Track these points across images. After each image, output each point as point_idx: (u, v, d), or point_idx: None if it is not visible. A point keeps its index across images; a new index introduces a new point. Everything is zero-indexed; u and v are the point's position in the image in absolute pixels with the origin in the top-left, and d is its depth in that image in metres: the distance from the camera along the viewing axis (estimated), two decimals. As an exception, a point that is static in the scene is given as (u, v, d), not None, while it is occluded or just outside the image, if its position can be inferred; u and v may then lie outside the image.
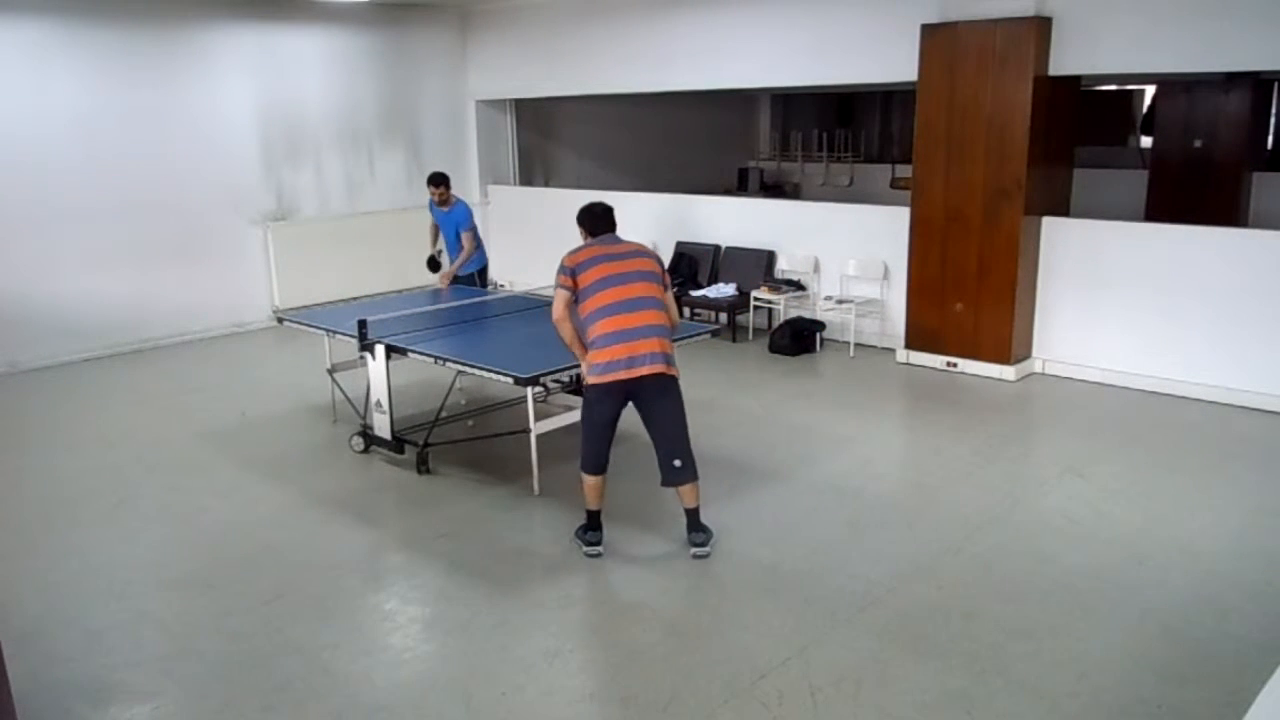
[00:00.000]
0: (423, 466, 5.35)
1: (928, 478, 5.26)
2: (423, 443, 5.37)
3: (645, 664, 3.49)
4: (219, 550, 4.52)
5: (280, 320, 6.84)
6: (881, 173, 12.34)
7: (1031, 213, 6.67)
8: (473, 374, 5.12)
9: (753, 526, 4.58)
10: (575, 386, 5.57)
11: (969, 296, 6.93)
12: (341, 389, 6.08)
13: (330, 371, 6.17)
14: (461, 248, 7.09)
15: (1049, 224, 6.82)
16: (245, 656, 3.60)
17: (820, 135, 12.91)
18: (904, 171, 10.31)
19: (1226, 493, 4.91)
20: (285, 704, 3.31)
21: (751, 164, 13.38)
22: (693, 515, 4.29)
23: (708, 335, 5.96)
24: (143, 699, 3.36)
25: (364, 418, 5.75)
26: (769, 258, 8.47)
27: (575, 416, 4.96)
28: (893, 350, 7.56)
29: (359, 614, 3.91)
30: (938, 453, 5.59)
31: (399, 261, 9.47)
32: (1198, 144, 9.12)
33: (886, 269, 7.71)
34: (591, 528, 4.33)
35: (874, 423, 6.25)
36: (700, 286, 8.64)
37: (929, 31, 6.78)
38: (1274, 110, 10.08)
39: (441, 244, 7.44)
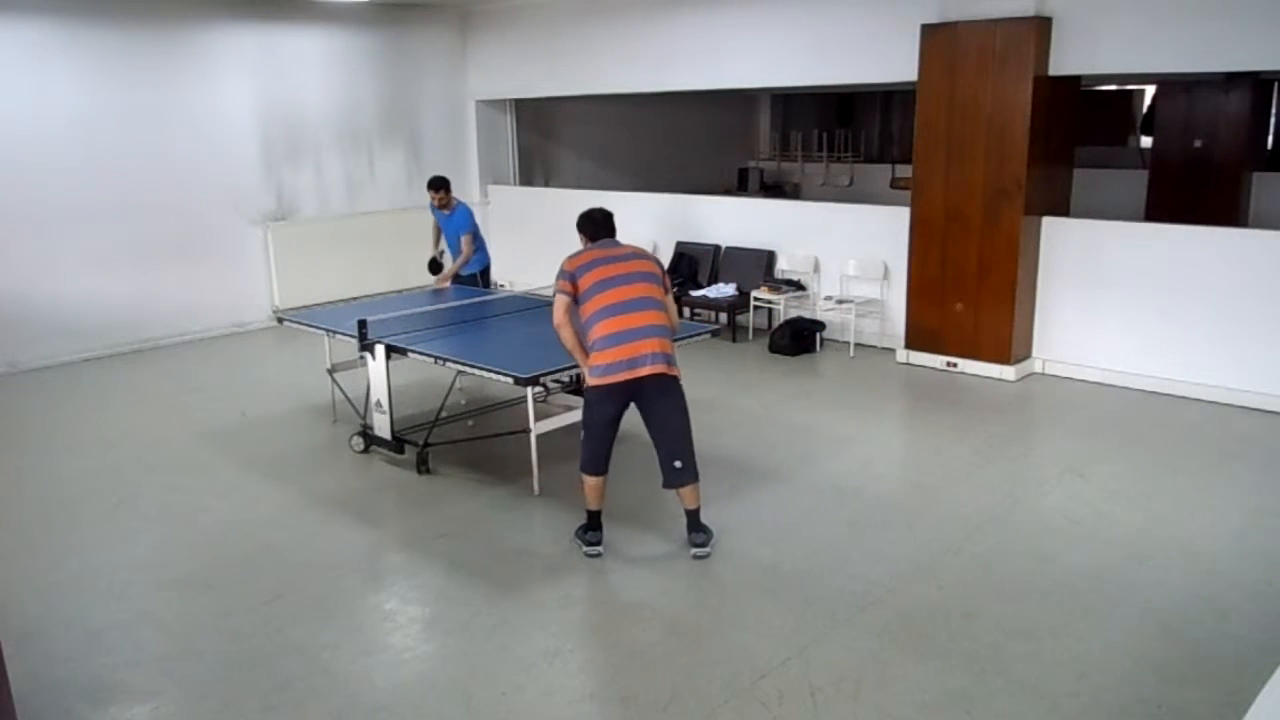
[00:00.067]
0: (423, 466, 5.35)
1: (928, 478, 5.26)
2: (423, 443, 5.37)
3: (645, 664, 3.49)
4: (219, 550, 4.52)
5: (280, 320, 6.84)
6: (881, 173, 12.33)
7: (1031, 213, 6.67)
8: (473, 374, 5.12)
9: (753, 526, 4.58)
10: (575, 386, 5.58)
11: (969, 296, 6.93)
12: (341, 389, 6.08)
13: (330, 371, 6.17)
14: (462, 249, 7.10)
15: (1049, 224, 6.82)
16: (245, 656, 3.60)
17: (820, 135, 12.91)
18: (904, 171, 10.30)
19: (1226, 493, 4.91)
20: (285, 704, 3.31)
21: (751, 164, 13.38)
22: (693, 516, 4.29)
23: (708, 335, 5.97)
24: (143, 699, 3.36)
25: (364, 418, 5.75)
26: (769, 258, 8.47)
27: (575, 416, 4.96)
28: (893, 350, 7.56)
29: (359, 614, 3.91)
30: (938, 453, 5.59)
31: (399, 261, 9.48)
32: (1198, 144, 9.12)
33: (886, 269, 7.71)
34: (591, 528, 4.33)
35: (874, 423, 6.25)
36: (700, 286, 8.64)
37: (929, 31, 6.78)
38: (1274, 110, 10.08)
39: (444, 245, 7.45)
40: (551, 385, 5.67)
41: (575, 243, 4.44)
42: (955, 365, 7.09)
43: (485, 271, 7.43)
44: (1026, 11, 6.34)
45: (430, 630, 3.81)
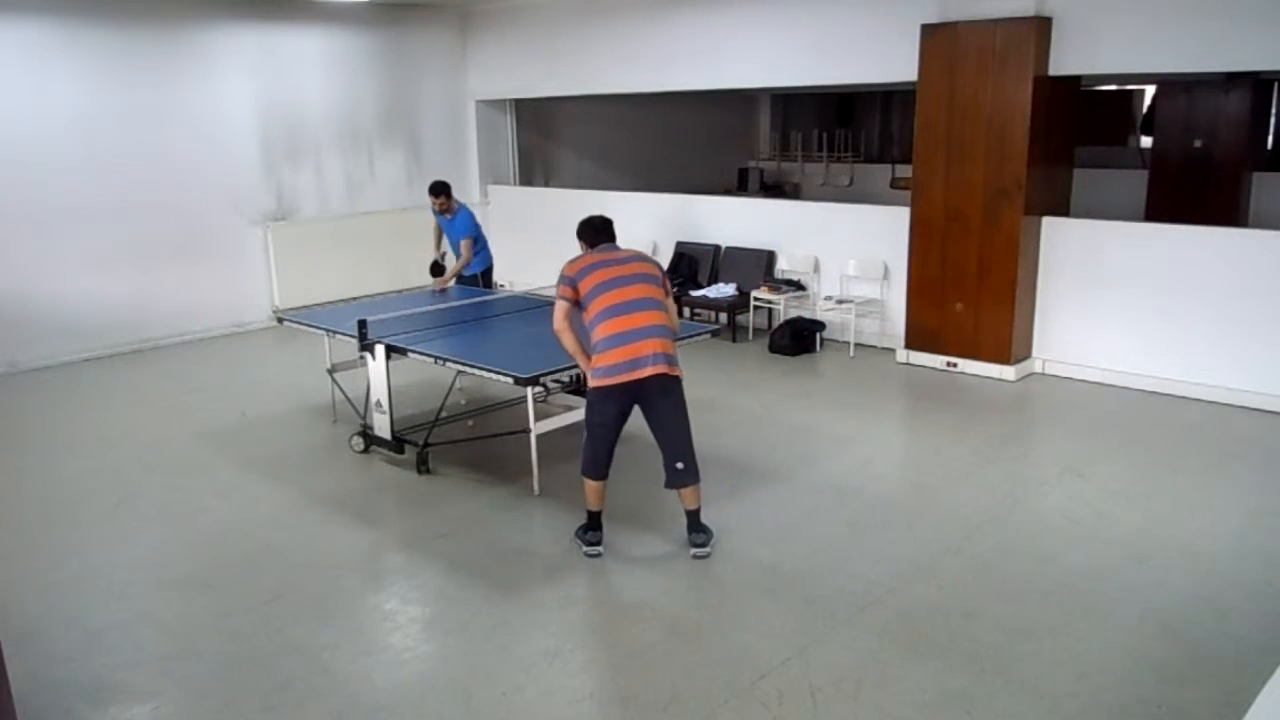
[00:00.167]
0: (423, 466, 5.35)
1: (928, 478, 5.26)
2: (423, 443, 5.37)
3: (645, 664, 3.49)
4: (219, 550, 4.52)
5: (280, 320, 6.84)
6: (881, 173, 12.33)
7: (1031, 213, 6.67)
8: (473, 374, 5.12)
9: (753, 526, 4.58)
10: (575, 386, 5.58)
11: (969, 296, 6.93)
12: (341, 389, 6.08)
13: (330, 371, 6.17)
14: (461, 254, 7.10)
15: (1049, 224, 6.82)
16: (245, 656, 3.60)
17: (820, 135, 12.91)
18: (904, 171, 10.31)
19: (1226, 493, 4.91)
20: (285, 704, 3.31)
21: (751, 164, 13.38)
22: (693, 516, 4.29)
23: (708, 335, 5.97)
24: (143, 699, 3.36)
25: (364, 418, 5.75)
26: (769, 258, 8.47)
27: (575, 416, 4.97)
28: (893, 350, 7.56)
29: (359, 614, 3.91)
30: (938, 453, 5.59)
31: (399, 261, 9.48)
32: (1198, 144, 9.12)
33: (886, 269, 7.71)
34: (592, 528, 4.33)
35: (874, 423, 6.25)
36: (700, 286, 8.64)
37: (929, 31, 6.78)
38: (1274, 110, 10.08)
39: (445, 248, 7.45)
40: (551, 385, 5.66)
41: (575, 242, 4.45)
42: (955, 365, 7.09)
43: (487, 272, 7.44)
44: (1026, 11, 6.34)
45: (430, 630, 3.81)
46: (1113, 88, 11.67)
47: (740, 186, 12.88)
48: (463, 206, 7.23)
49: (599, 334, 4.06)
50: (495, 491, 5.12)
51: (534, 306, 6.27)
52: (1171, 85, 9.36)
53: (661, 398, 4.11)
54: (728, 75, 8.42)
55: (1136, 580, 4.00)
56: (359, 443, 5.70)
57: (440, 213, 7.16)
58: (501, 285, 9.60)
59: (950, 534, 4.46)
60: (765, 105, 13.76)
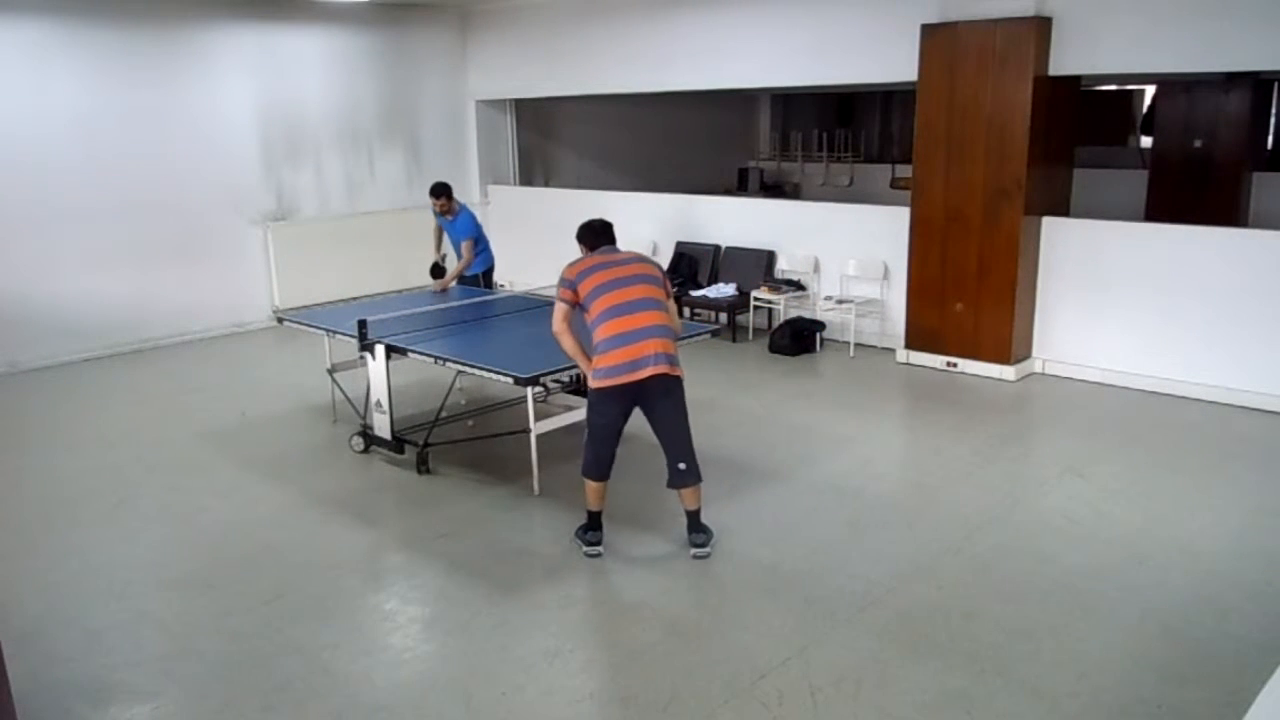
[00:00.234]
0: (423, 466, 5.35)
1: (928, 478, 5.26)
2: (423, 443, 5.37)
3: (645, 664, 3.49)
4: (219, 550, 4.52)
5: (280, 320, 6.84)
6: (881, 173, 12.33)
7: (1031, 213, 6.67)
8: (473, 374, 5.12)
9: (753, 526, 4.58)
10: (575, 386, 5.58)
11: (969, 296, 6.93)
12: (341, 389, 6.08)
13: (330, 371, 6.17)
14: (462, 255, 7.10)
15: (1049, 224, 6.82)
16: (245, 656, 3.60)
17: (820, 135, 12.91)
18: (904, 171, 10.30)
19: (1226, 493, 4.91)
20: (285, 704, 3.31)
21: (751, 164, 13.38)
22: (693, 516, 4.29)
23: (708, 335, 5.97)
24: (143, 699, 3.36)
25: (364, 418, 5.75)
26: (769, 258, 8.47)
27: (575, 416, 4.97)
28: (893, 350, 7.56)
29: (359, 614, 3.91)
30: (938, 453, 5.59)
31: (399, 261, 9.48)
32: (1198, 144, 9.12)
33: (886, 269, 7.71)
34: (592, 528, 4.33)
35: (874, 423, 6.25)
36: (700, 286, 8.64)
37: (929, 31, 6.78)
38: (1274, 110, 10.08)
39: (445, 250, 7.45)
40: (551, 385, 5.67)
41: (574, 243, 4.45)
42: (955, 365, 7.09)
43: (488, 273, 7.44)
44: (1026, 11, 6.34)
45: (430, 630, 3.81)
46: (1113, 88, 11.67)
47: (740, 186, 12.88)
48: (464, 207, 7.22)
49: (600, 335, 4.06)
50: (495, 491, 5.12)
51: (534, 306, 6.27)
52: (1171, 85, 9.36)
53: (663, 398, 4.11)
54: (728, 75, 8.42)
55: (1136, 580, 4.00)
56: (359, 443, 5.70)
57: (441, 214, 7.16)
58: (501, 285, 9.60)
59: (950, 534, 4.46)
60: (765, 105, 13.76)
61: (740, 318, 8.35)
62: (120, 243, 8.20)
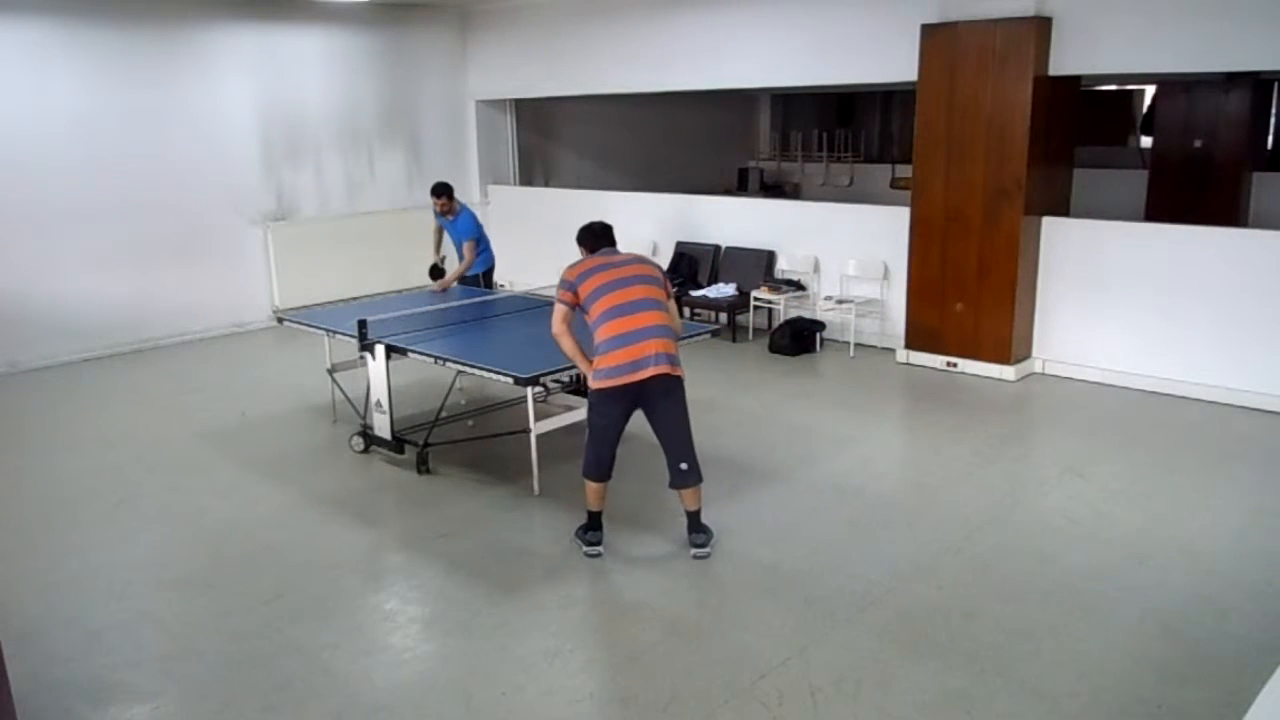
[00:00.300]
0: (423, 466, 5.35)
1: (928, 478, 5.26)
2: (423, 443, 5.37)
3: (645, 664, 3.49)
4: (219, 550, 4.52)
5: (280, 320, 6.84)
6: (881, 173, 12.34)
7: (1031, 213, 6.67)
8: (473, 374, 5.12)
9: (753, 526, 4.58)
10: (575, 386, 5.58)
11: (969, 296, 6.93)
12: (341, 389, 6.08)
13: (330, 371, 6.17)
14: (464, 256, 7.10)
15: (1049, 224, 6.82)
16: (245, 656, 3.60)
17: (820, 135, 12.91)
18: (904, 171, 10.31)
19: (1226, 493, 4.91)
20: (285, 704, 3.31)
21: (751, 164, 13.38)
22: (693, 517, 4.29)
23: (708, 335, 5.97)
24: (143, 699, 3.36)
25: (364, 418, 5.75)
26: (769, 258, 8.47)
27: (575, 417, 4.97)
28: (893, 350, 7.56)
29: (359, 614, 3.91)
30: (938, 453, 5.59)
31: (399, 261, 9.48)
32: (1198, 144, 9.12)
33: (886, 269, 7.71)
34: (592, 528, 4.33)
35: (874, 423, 6.25)
36: (700, 286, 8.64)
37: (929, 31, 6.78)
38: (1274, 110, 10.08)
39: (445, 251, 7.44)
40: (551, 385, 5.66)
41: (574, 241, 4.45)
42: (955, 365, 7.09)
43: (489, 273, 7.43)
44: (1026, 11, 6.34)
45: (430, 630, 3.81)
46: (1113, 88, 11.67)
47: (740, 186, 12.88)
48: (464, 207, 7.22)
49: (601, 335, 4.06)
50: (495, 491, 5.12)
51: (534, 306, 6.27)
52: (1171, 85, 9.36)
53: (663, 398, 4.11)
54: (728, 75, 8.42)
55: (1136, 580, 4.00)
56: (359, 443, 5.70)
57: (442, 214, 7.16)
58: (501, 285, 9.60)
59: (950, 534, 4.46)
60: (765, 105, 13.76)
61: (740, 318, 8.35)
62: (120, 243, 8.20)
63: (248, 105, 8.90)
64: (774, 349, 7.82)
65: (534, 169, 11.32)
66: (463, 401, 6.46)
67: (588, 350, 4.18)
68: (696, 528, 4.28)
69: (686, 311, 8.19)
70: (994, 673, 3.36)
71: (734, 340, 8.25)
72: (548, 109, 11.09)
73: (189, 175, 8.58)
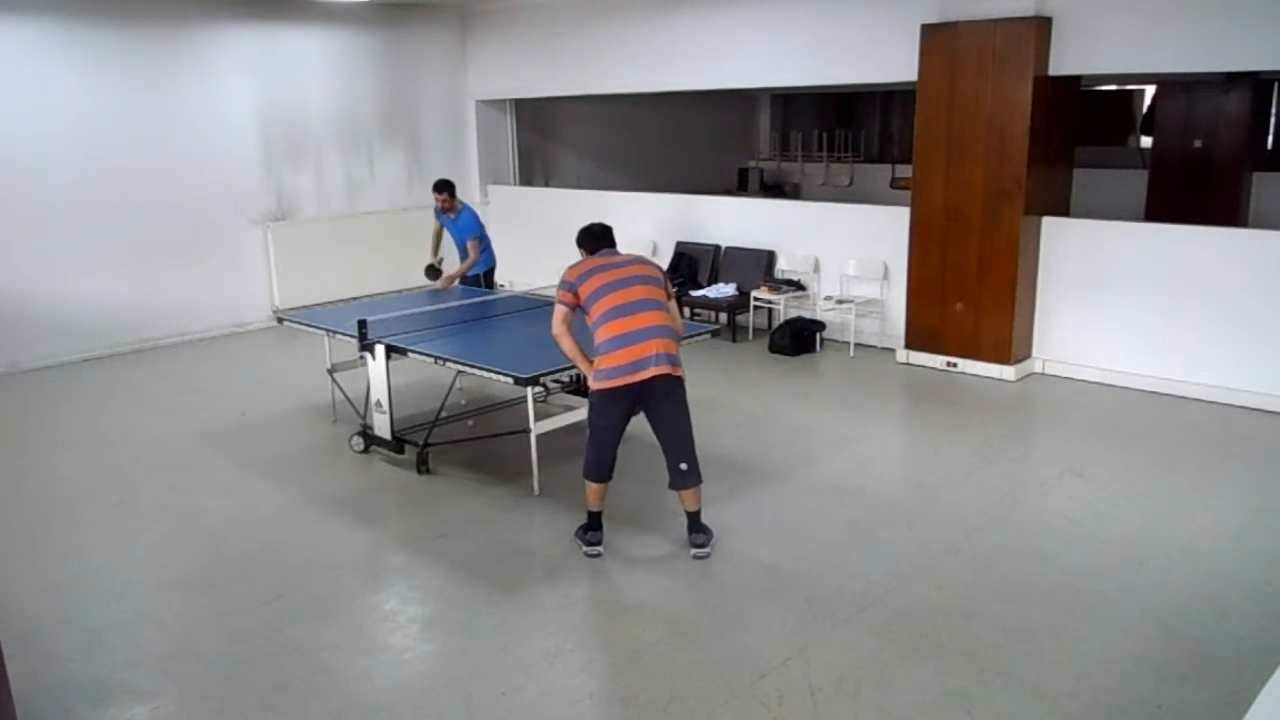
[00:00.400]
0: (423, 466, 5.35)
1: (928, 478, 5.26)
2: (423, 443, 5.37)
3: (645, 664, 3.49)
4: (219, 550, 4.52)
5: (280, 320, 6.84)
6: (881, 173, 12.33)
7: (1031, 213, 6.67)
8: (473, 374, 5.12)
9: (753, 526, 4.58)
10: (575, 386, 5.58)
11: (969, 296, 6.93)
12: (341, 389, 6.08)
13: (330, 371, 6.17)
14: (468, 254, 7.10)
15: (1049, 224, 6.82)
16: (245, 656, 3.60)
17: (820, 135, 12.91)
18: (904, 171, 10.30)
19: (1226, 493, 4.91)
20: (285, 704, 3.31)
21: (751, 164, 13.38)
22: (694, 517, 4.29)
23: (708, 335, 5.97)
24: (143, 699, 3.36)
25: (364, 418, 5.75)
26: (769, 258, 8.47)
27: (575, 417, 4.98)
28: (893, 350, 7.56)
29: (359, 614, 3.91)
30: (938, 453, 5.59)
31: (399, 261, 9.47)
32: (1198, 144, 9.12)
33: (886, 269, 7.71)
34: (592, 528, 4.33)
35: (874, 423, 6.25)
36: (700, 286, 8.64)
37: (929, 31, 6.78)
38: (1274, 110, 10.08)
39: (443, 252, 7.44)
40: (551, 385, 5.66)
41: (573, 240, 4.45)
42: (955, 365, 7.09)
43: (490, 273, 7.44)
44: (1026, 11, 6.34)
45: (430, 630, 3.81)
46: (1113, 88, 11.66)
47: (740, 186, 12.88)
48: (466, 206, 7.22)
49: (602, 336, 4.06)
50: (495, 491, 5.12)
51: (534, 306, 6.27)
52: (1171, 85, 9.36)
53: (664, 399, 4.11)
54: (728, 75, 8.42)
55: (1136, 580, 4.00)
56: (359, 443, 5.70)
57: (443, 211, 7.16)
58: (501, 285, 9.59)
59: (950, 534, 4.46)
60: (765, 105, 13.76)
61: (740, 318, 8.35)
62: (120, 243, 8.20)
63: (248, 105, 8.90)
64: (774, 349, 7.82)
65: (534, 169, 11.32)
66: (463, 401, 6.46)
67: (588, 351, 4.18)
68: (696, 528, 4.28)
69: (686, 311, 8.19)
70: (994, 673, 3.36)
71: (734, 340, 8.25)
72: (548, 109, 11.09)
73: (189, 175, 8.58)
